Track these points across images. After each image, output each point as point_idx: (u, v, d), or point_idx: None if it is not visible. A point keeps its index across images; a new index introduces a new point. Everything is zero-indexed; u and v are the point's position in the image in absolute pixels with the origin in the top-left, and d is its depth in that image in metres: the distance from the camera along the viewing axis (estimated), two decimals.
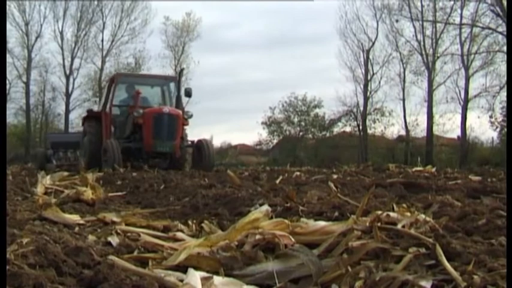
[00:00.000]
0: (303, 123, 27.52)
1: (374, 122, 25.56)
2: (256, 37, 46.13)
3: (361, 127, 25.29)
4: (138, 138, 10.17)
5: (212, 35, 43.05)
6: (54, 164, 13.38)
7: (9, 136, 24.06)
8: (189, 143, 10.84)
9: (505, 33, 19.08)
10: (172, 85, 11.58)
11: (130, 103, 10.74)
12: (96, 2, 29.05)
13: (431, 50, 23.58)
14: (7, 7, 24.58)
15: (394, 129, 25.53)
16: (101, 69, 29.62)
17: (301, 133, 27.74)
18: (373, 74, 25.41)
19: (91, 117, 11.47)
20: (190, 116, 10.67)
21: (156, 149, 10.00)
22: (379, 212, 1.92)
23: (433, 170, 7.58)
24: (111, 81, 11.55)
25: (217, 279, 1.42)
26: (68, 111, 29.17)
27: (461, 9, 22.33)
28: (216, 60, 44.73)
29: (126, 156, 9.72)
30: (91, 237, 2.05)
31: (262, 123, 27.78)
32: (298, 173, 6.62)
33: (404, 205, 2.49)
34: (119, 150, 9.48)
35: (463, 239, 1.76)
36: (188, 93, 10.83)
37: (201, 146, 10.39)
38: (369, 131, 25.47)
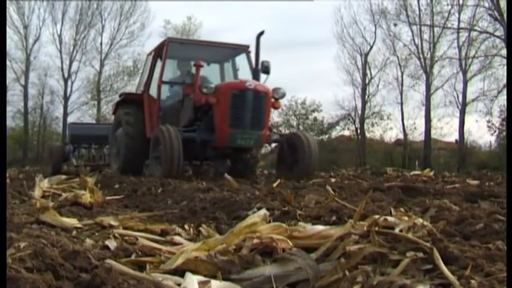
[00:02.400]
0: (301, 127, 27.55)
1: (372, 125, 25.61)
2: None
3: (359, 131, 25.31)
4: (205, 128, 7.10)
5: (212, 38, 43.06)
6: (74, 163, 10.68)
7: (7, 139, 24.01)
8: (277, 136, 7.90)
9: (503, 37, 19.14)
10: (239, 59, 8.50)
11: (187, 81, 7.85)
12: (95, 5, 29.04)
13: (429, 54, 23.59)
14: (6, 10, 24.56)
15: (392, 133, 25.57)
16: (100, 73, 29.59)
17: None
18: (371, 77, 25.42)
19: (128, 102, 8.52)
20: (282, 95, 7.32)
21: (235, 143, 6.90)
22: (377, 216, 1.93)
23: (431, 173, 7.60)
24: (159, 50, 8.27)
25: (214, 283, 1.42)
26: (65, 115, 29.12)
27: (459, 14, 22.36)
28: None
29: (185, 153, 6.78)
30: (89, 241, 2.05)
31: None
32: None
33: (402, 209, 2.50)
34: (179, 139, 6.62)
35: (460, 243, 1.76)
36: (266, 68, 7.44)
37: (296, 142, 7.18)
38: (367, 135, 25.49)
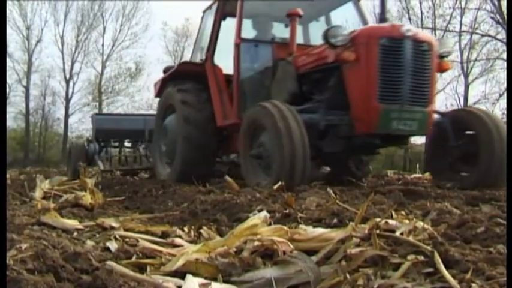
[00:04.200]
0: None
1: None
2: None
3: None
4: (327, 105, 4.63)
5: None
6: (101, 167, 8.32)
7: (8, 140, 24.06)
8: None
9: (505, 40, 19.14)
10: (339, 13, 6.17)
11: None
12: (97, 7, 29.11)
13: None
14: (8, 11, 24.66)
15: None
16: (101, 74, 29.67)
17: None
18: None
19: (181, 77, 6.19)
20: (449, 53, 4.88)
21: (389, 127, 4.38)
22: (378, 219, 1.93)
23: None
24: (223, 5, 6.06)
25: (215, 286, 1.42)
26: (67, 116, 29.19)
27: (461, 17, 22.35)
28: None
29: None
30: (89, 243, 2.05)
31: None
32: None
33: (403, 212, 2.50)
34: (301, 125, 4.21)
35: (461, 246, 1.76)
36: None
37: (470, 124, 4.55)
38: None
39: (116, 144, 9.54)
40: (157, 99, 7.06)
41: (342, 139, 4.79)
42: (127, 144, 9.68)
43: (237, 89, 5.64)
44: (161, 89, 6.77)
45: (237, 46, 5.60)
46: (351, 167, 5.94)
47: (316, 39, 5.74)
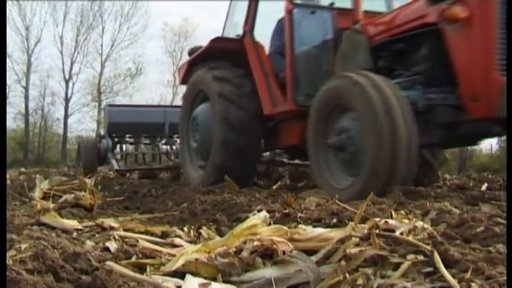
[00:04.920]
0: None
1: None
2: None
3: None
4: (426, 79, 3.69)
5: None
6: (115, 167, 7.46)
7: (8, 140, 24.06)
8: None
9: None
10: None
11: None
12: (96, 7, 29.11)
13: None
14: (8, 12, 24.66)
15: None
16: (100, 74, 29.66)
17: None
18: None
19: (213, 57, 5.25)
20: None
21: None
22: (378, 219, 1.93)
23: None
24: None
25: (215, 286, 1.42)
26: (66, 116, 29.18)
27: None
28: None
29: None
30: (89, 243, 2.05)
31: None
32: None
33: (402, 212, 2.50)
34: (407, 110, 3.30)
35: (461, 246, 1.76)
36: None
37: None
38: None
39: (132, 140, 8.40)
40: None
41: (441, 126, 3.57)
42: (144, 140, 8.46)
43: (291, 67, 4.58)
44: (188, 73, 5.69)
45: (289, 13, 4.55)
46: (431, 164, 4.78)
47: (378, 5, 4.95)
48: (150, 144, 8.50)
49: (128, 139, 8.44)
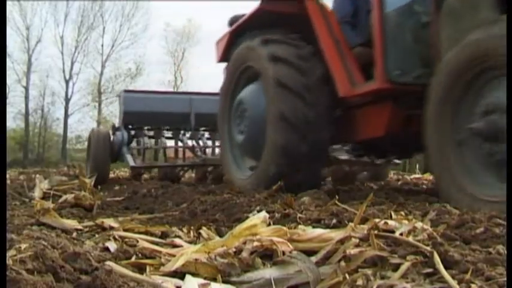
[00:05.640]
0: None
1: None
2: None
3: None
4: None
5: (213, 40, 43.16)
6: (131, 163, 6.41)
7: (8, 140, 24.06)
8: None
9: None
10: None
11: None
12: (97, 7, 29.14)
13: None
14: (8, 11, 24.67)
15: None
16: (101, 74, 29.70)
17: None
18: None
19: (265, 21, 4.26)
20: None
21: None
22: (377, 220, 1.93)
23: (431, 177, 7.59)
24: None
25: (214, 286, 1.42)
26: (66, 116, 29.21)
27: None
28: (217, 65, 44.85)
29: None
30: (89, 243, 2.05)
31: None
32: None
33: (402, 213, 2.50)
34: None
35: (461, 247, 1.76)
36: None
37: None
38: None
39: (151, 133, 7.22)
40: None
41: None
42: (165, 133, 7.31)
43: (380, 32, 3.49)
44: (229, 46, 4.65)
45: None
46: None
47: None
48: (173, 138, 7.28)
49: (146, 131, 7.15)
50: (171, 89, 30.33)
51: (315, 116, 3.88)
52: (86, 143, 7.84)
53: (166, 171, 6.82)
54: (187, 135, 7.21)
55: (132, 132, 7.08)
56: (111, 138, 6.93)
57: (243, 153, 4.53)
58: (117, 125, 7.22)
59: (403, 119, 3.63)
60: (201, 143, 7.30)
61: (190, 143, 7.10)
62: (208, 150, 7.37)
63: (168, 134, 7.37)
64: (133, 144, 7.08)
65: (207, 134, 7.33)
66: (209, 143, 7.37)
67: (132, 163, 6.45)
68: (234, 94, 4.61)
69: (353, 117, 4.11)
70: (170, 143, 7.45)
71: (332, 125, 3.98)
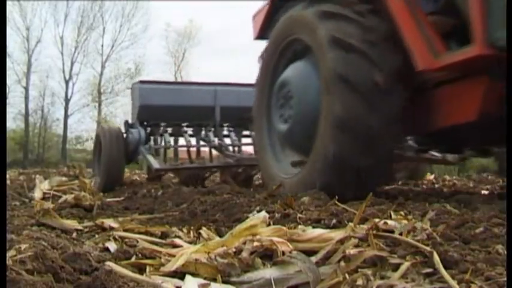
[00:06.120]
0: None
1: None
2: (258, 42, 46.24)
3: None
4: None
5: (213, 41, 43.22)
6: (154, 166, 5.63)
7: (8, 141, 24.05)
8: None
9: None
10: None
11: None
12: (97, 7, 29.15)
13: None
14: (8, 12, 24.67)
15: None
16: (100, 74, 29.71)
17: None
18: None
19: None
20: None
21: None
22: (377, 220, 1.93)
23: (431, 177, 7.60)
24: None
25: (214, 286, 1.42)
26: (66, 116, 29.22)
27: None
28: (217, 65, 44.90)
29: None
30: (89, 243, 2.05)
31: None
32: None
33: (402, 213, 2.50)
34: None
35: (460, 247, 1.76)
36: None
37: None
38: None
39: (170, 128, 6.33)
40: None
41: None
42: (186, 129, 6.40)
43: None
44: (270, 18, 4.02)
45: None
46: None
47: None
48: (194, 135, 6.34)
49: (164, 128, 6.30)
50: None
51: (385, 79, 3.14)
52: (93, 143, 7.06)
53: (192, 173, 5.94)
54: (211, 131, 6.33)
55: (148, 129, 6.24)
56: (126, 137, 6.13)
57: (285, 146, 3.81)
58: (131, 122, 6.33)
59: (499, 97, 2.78)
60: (228, 140, 6.45)
61: (216, 141, 6.22)
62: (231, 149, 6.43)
63: (189, 130, 6.47)
64: (152, 142, 6.19)
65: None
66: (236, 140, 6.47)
67: (156, 165, 5.63)
68: (275, 74, 3.89)
69: (431, 99, 3.27)
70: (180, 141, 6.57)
71: (405, 99, 3.19)
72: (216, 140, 6.17)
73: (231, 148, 6.28)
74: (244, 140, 6.38)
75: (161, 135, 6.22)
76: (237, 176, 5.88)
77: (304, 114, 3.52)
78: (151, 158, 5.68)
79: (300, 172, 3.55)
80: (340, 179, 3.20)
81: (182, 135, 6.30)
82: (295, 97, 3.58)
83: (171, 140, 6.27)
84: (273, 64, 3.94)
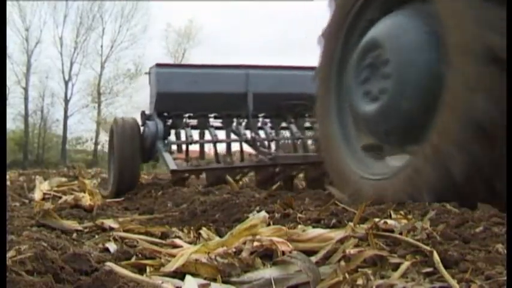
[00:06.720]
0: None
1: None
2: (259, 43, 46.30)
3: None
4: None
5: (214, 41, 43.23)
6: (171, 166, 4.71)
7: (8, 141, 24.04)
8: None
9: None
10: None
11: None
12: (96, 8, 29.11)
13: None
14: (8, 12, 24.67)
15: None
16: (100, 75, 29.68)
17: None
18: None
19: None
20: None
21: None
22: (377, 219, 1.93)
23: None
24: None
25: (214, 286, 1.42)
26: (66, 117, 29.19)
27: None
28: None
29: None
30: (89, 244, 2.05)
31: None
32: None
33: (401, 212, 2.50)
34: None
35: (460, 246, 1.76)
36: None
37: None
38: None
39: (193, 120, 5.36)
40: None
41: None
42: (213, 121, 5.40)
43: None
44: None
45: None
46: None
47: None
48: (223, 128, 5.39)
49: (187, 120, 5.35)
50: None
51: None
52: (108, 138, 6.04)
53: (218, 174, 4.98)
54: (243, 123, 5.38)
55: (169, 122, 5.31)
56: (143, 130, 5.24)
57: (371, 133, 2.88)
58: (147, 113, 5.42)
59: None
60: (262, 134, 5.45)
61: (248, 134, 5.22)
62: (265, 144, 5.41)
63: (217, 122, 5.50)
64: (171, 137, 5.25)
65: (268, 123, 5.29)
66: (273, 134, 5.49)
67: (173, 166, 4.69)
68: (352, 34, 2.95)
69: None
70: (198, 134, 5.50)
71: None
72: (248, 134, 5.22)
73: (266, 143, 5.32)
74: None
75: (183, 128, 5.29)
76: (273, 177, 4.96)
77: (409, 91, 2.49)
78: (168, 157, 4.77)
79: (402, 170, 2.60)
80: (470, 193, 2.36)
81: (208, 129, 5.34)
82: (393, 63, 2.53)
83: (195, 134, 5.30)
84: (352, 17, 2.92)
